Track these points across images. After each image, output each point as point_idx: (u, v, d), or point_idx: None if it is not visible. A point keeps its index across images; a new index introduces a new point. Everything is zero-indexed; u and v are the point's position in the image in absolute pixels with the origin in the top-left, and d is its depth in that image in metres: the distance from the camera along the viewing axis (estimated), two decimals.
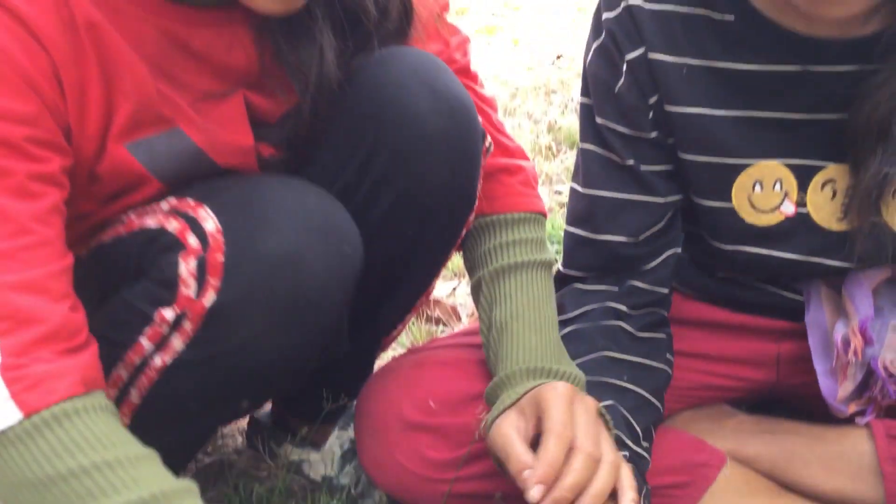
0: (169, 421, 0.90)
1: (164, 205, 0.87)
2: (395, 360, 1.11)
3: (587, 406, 0.87)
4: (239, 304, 0.81)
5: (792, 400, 1.16)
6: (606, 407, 0.93)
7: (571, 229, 1.09)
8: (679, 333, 1.08)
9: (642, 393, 1.00)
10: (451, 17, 1.07)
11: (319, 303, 0.84)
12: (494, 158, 1.06)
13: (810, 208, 1.00)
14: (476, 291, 1.05)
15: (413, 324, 1.52)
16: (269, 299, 0.81)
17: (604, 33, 1.02)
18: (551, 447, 0.82)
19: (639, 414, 0.98)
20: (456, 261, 1.78)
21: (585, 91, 1.07)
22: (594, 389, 0.96)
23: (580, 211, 1.08)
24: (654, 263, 1.06)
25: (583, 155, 1.08)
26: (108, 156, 0.84)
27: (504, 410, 0.90)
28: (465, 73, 1.04)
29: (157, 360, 0.84)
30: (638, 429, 0.97)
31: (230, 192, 0.86)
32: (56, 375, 0.71)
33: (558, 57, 3.73)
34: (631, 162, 1.03)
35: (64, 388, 0.71)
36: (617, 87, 1.02)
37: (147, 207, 0.88)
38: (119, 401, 0.87)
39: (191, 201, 0.85)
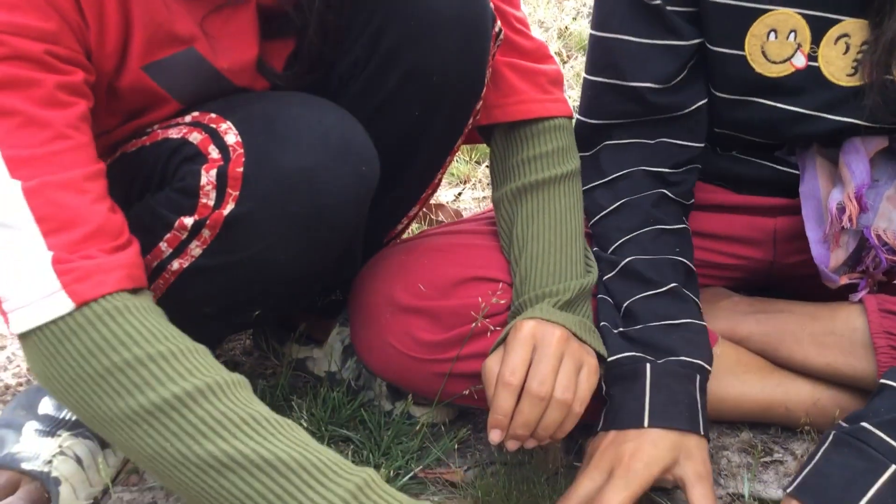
0: (180, 324, 0.92)
1: (187, 117, 0.89)
2: (386, 249, 1.11)
3: (549, 341, 0.91)
4: (256, 215, 0.83)
5: (789, 285, 1.15)
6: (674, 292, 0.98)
7: (595, 78, 1.07)
8: None
9: (689, 263, 1.02)
10: None
11: (333, 218, 0.86)
12: (510, 59, 1.04)
13: (821, 62, 0.98)
14: (497, 206, 1.06)
15: (417, 229, 1.52)
16: (285, 211, 0.83)
17: None
18: (499, 396, 0.90)
19: (691, 286, 1.01)
20: (461, 166, 1.78)
21: None
22: (651, 268, 1.00)
23: (602, 57, 1.06)
24: (683, 113, 1.04)
25: None
26: (127, 75, 0.86)
27: (498, 346, 0.95)
28: None
29: (175, 265, 0.87)
30: (696, 299, 1.00)
31: (251, 107, 0.87)
32: (104, 270, 0.74)
33: None
34: (658, 1, 1.01)
35: (113, 282, 0.74)
36: None
37: (171, 120, 0.90)
38: None
39: (213, 115, 0.86)
